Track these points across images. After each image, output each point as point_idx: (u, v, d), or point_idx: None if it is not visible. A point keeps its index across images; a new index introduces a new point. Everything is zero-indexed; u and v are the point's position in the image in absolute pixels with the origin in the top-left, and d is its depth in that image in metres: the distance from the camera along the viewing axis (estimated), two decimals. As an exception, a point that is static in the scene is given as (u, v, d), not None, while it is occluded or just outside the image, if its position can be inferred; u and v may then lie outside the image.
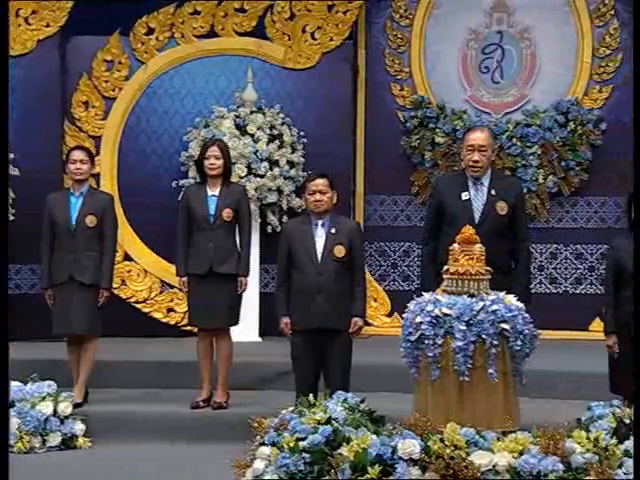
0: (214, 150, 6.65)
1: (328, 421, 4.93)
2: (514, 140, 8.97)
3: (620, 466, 4.61)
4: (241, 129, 8.54)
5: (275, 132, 8.62)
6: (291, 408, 5.25)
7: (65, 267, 6.65)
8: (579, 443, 4.70)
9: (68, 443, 6.23)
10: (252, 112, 8.63)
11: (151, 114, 8.96)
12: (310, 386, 5.83)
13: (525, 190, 8.34)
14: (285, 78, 8.97)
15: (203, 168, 6.68)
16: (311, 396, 5.35)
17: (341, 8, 8.93)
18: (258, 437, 5.09)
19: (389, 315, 9.12)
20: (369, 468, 4.63)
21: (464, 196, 6.01)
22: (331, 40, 8.94)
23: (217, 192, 6.64)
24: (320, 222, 6.02)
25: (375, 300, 9.13)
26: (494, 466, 4.62)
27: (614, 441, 4.72)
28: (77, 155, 6.78)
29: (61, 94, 8.74)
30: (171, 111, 8.95)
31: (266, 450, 4.95)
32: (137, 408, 6.64)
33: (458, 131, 8.89)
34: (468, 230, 5.34)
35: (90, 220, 6.67)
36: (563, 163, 8.94)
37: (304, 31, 8.95)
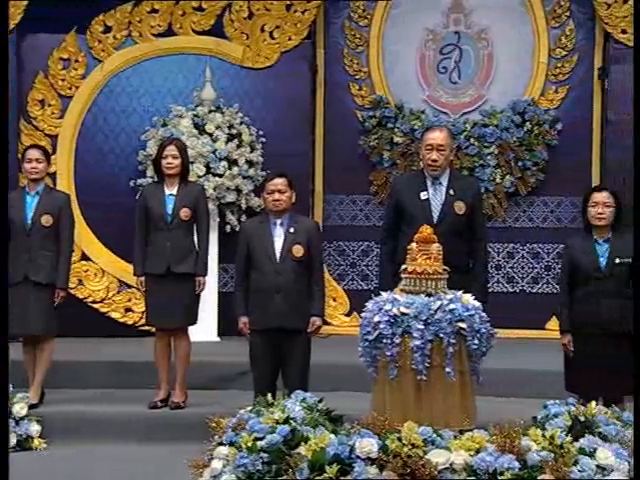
0: (172, 149, 6.62)
1: (286, 421, 4.91)
2: (472, 140, 9.02)
3: (575, 464, 4.64)
4: (199, 128, 8.50)
5: (234, 131, 8.59)
6: (249, 408, 5.23)
7: (20, 267, 6.58)
8: (535, 441, 4.72)
9: (23, 444, 6.19)
10: (210, 111, 8.59)
11: (108, 113, 8.89)
12: (268, 386, 5.82)
13: (482, 190, 8.39)
14: (244, 77, 8.95)
15: (161, 167, 6.64)
16: (269, 396, 5.33)
17: (299, 8, 8.92)
18: (216, 437, 5.07)
19: (348, 314, 9.13)
20: (327, 467, 4.61)
21: (423, 196, 6.02)
22: (290, 39, 8.93)
23: (175, 191, 6.61)
24: (279, 221, 6.02)
25: (334, 299, 9.13)
26: (451, 464, 4.63)
27: (569, 439, 4.75)
28: (33, 154, 6.72)
29: (17, 92, 8.64)
30: (128, 110, 8.89)
31: (224, 450, 4.93)
32: (94, 408, 6.60)
33: (416, 131, 8.93)
34: (426, 229, 5.35)
35: (46, 219, 6.62)
36: (520, 163, 9.00)
37: (263, 30, 8.94)
